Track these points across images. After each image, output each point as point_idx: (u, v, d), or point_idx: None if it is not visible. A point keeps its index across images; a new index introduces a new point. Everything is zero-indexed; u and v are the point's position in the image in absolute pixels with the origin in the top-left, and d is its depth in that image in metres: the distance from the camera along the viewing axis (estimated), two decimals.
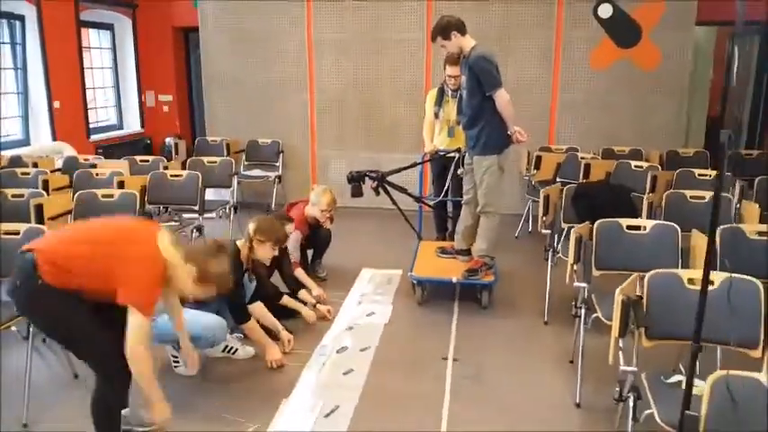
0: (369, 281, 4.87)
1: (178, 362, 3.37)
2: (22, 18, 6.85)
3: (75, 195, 4.31)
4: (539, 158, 6.21)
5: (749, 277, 2.44)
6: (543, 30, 6.66)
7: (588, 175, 5.50)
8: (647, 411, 2.24)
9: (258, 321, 3.59)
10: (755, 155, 6.48)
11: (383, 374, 3.43)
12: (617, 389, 2.48)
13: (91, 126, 7.90)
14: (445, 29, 4.07)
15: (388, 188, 4.95)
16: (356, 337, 3.86)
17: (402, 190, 5.04)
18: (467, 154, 4.46)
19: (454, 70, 4.81)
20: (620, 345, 2.43)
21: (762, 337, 2.13)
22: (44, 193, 4.45)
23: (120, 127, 8.81)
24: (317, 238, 4.90)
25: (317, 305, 4.20)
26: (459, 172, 4.71)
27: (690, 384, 1.83)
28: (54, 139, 7.13)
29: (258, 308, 3.69)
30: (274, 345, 3.57)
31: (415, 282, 4.40)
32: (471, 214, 4.47)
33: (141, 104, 8.94)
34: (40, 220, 3.95)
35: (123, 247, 2.38)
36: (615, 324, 2.39)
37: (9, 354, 3.44)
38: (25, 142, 7.05)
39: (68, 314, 2.36)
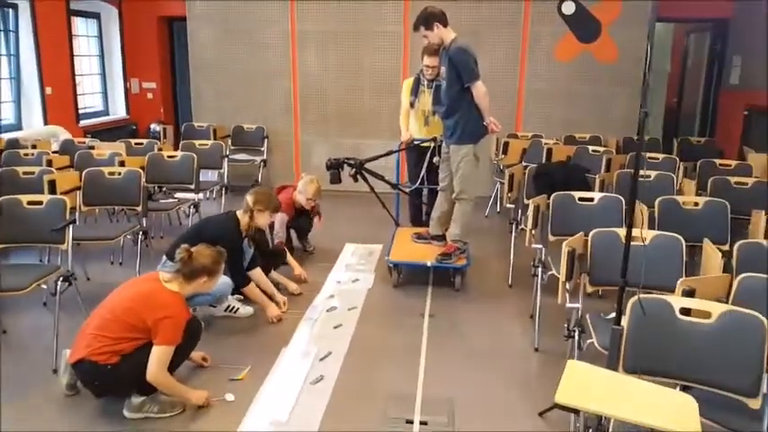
0: (352, 254, 5.33)
1: (235, 308, 4.03)
2: (15, 6, 7.11)
3: (84, 173, 4.64)
4: (506, 144, 6.71)
5: (674, 234, 2.97)
6: (512, 24, 7.18)
7: (550, 159, 6.01)
8: (589, 341, 2.75)
9: (258, 285, 4.05)
10: (703, 141, 7.09)
11: (368, 328, 3.92)
12: (565, 325, 2.99)
13: (80, 112, 8.20)
14: (428, 19, 4.21)
15: (366, 175, 5.15)
16: (343, 299, 4.33)
17: (379, 177, 5.21)
18: (443, 143, 4.64)
19: (432, 60, 4.90)
20: (567, 287, 2.95)
21: (678, 282, 2.62)
22: (53, 170, 4.79)
23: (107, 113, 9.10)
24: (299, 222, 5.21)
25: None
26: (434, 160, 4.90)
27: (619, 311, 2.32)
28: (45, 123, 7.41)
29: (257, 273, 4.14)
30: (272, 304, 4.02)
31: (391, 265, 4.59)
32: (447, 201, 4.65)
33: (126, 91, 9.24)
34: (53, 194, 4.29)
35: (149, 312, 2.83)
36: (563, 269, 2.90)
37: (35, 310, 3.96)
38: (17, 126, 7.32)
39: (140, 371, 2.79)
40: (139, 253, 4.51)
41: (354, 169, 5.07)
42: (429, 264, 4.48)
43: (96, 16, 8.79)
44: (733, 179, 4.50)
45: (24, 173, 4.64)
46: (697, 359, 2.14)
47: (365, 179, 5.15)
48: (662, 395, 1.76)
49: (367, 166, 5.17)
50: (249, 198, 4.04)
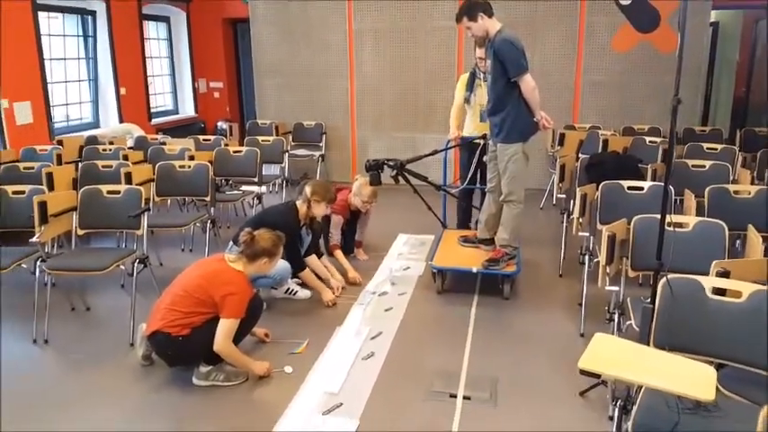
0: (404, 243, 5.52)
1: (294, 291, 4.29)
2: (93, 13, 7.65)
3: (157, 166, 5.00)
4: (562, 136, 6.70)
5: (717, 221, 3.01)
6: (568, 15, 7.16)
7: (606, 150, 5.99)
8: (628, 323, 2.84)
9: (313, 271, 4.28)
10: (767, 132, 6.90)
11: (418, 311, 4.10)
12: (606, 308, 3.08)
13: (152, 110, 8.70)
14: (471, 9, 3.95)
15: (408, 176, 4.91)
16: (395, 285, 4.52)
17: (423, 178, 4.96)
18: (491, 141, 4.39)
19: (484, 52, 4.51)
20: (608, 272, 3.03)
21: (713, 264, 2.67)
22: (129, 164, 5.18)
23: (176, 112, 9.62)
24: (353, 224, 5.13)
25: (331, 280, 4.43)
26: (484, 159, 4.68)
27: (654, 292, 2.41)
28: (121, 121, 7.92)
29: (313, 260, 4.38)
30: (327, 289, 4.24)
31: (435, 271, 4.37)
32: (495, 203, 4.40)
33: (195, 91, 9.73)
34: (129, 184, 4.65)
35: (216, 288, 3.09)
36: (603, 254, 2.99)
37: (114, 291, 4.30)
38: (95, 125, 7.87)
39: (208, 342, 3.07)
40: (207, 240, 4.84)
41: (395, 170, 4.84)
42: (475, 270, 4.27)
43: (166, 20, 9.30)
44: None
45: (103, 166, 5.03)
46: (727, 337, 2.21)
47: (407, 180, 4.96)
48: (682, 364, 1.85)
49: (410, 166, 4.92)
50: (307, 189, 4.27)
